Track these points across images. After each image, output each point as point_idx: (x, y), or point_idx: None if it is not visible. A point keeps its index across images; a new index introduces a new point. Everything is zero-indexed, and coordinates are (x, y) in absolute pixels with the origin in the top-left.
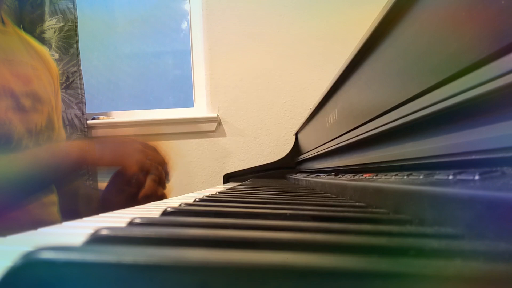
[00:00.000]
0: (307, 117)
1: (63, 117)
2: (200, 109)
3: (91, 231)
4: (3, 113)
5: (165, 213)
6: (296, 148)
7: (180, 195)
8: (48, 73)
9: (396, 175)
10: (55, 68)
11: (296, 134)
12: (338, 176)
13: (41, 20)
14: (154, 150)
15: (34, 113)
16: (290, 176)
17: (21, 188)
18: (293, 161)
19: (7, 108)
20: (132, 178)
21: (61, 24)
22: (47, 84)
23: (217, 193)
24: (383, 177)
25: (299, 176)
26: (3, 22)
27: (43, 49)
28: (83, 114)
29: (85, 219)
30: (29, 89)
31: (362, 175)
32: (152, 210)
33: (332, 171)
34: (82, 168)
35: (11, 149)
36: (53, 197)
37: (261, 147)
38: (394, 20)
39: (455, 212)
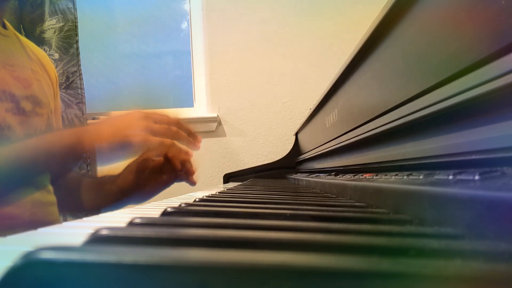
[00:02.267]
0: (307, 117)
1: (63, 117)
2: (200, 109)
3: (91, 231)
4: (3, 115)
5: (165, 213)
6: (296, 148)
7: (180, 195)
8: (47, 76)
9: (396, 175)
10: (54, 71)
11: (296, 134)
12: (338, 176)
13: (41, 20)
14: (164, 117)
15: (34, 117)
16: (290, 176)
17: (11, 180)
18: (293, 161)
19: (7, 111)
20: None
21: (61, 24)
22: (46, 87)
23: (217, 193)
24: (383, 177)
25: (299, 176)
26: (4, 26)
27: (42, 52)
28: (83, 114)
29: (85, 219)
30: (29, 92)
31: (362, 175)
32: (152, 210)
33: (332, 171)
34: (79, 155)
35: None
36: (52, 197)
37: (261, 147)
38: (394, 20)
39: (455, 212)
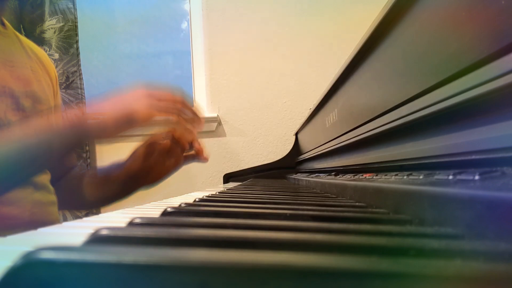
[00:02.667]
0: (307, 117)
1: (62, 117)
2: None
3: (91, 231)
4: (2, 113)
5: (165, 213)
6: (296, 148)
7: (180, 195)
8: (47, 75)
9: (396, 175)
10: (53, 70)
11: (296, 134)
12: (338, 176)
13: (41, 20)
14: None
15: (33, 114)
16: (290, 176)
17: (13, 174)
18: (293, 161)
19: (7, 109)
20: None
21: (61, 24)
22: (46, 87)
23: (217, 193)
24: (383, 177)
25: (299, 176)
26: (3, 24)
27: (42, 51)
28: (83, 114)
29: (85, 219)
30: (29, 90)
31: (362, 175)
32: (152, 210)
33: (332, 171)
34: (85, 131)
35: None
36: (52, 197)
37: (261, 147)
38: (394, 20)
39: (455, 212)
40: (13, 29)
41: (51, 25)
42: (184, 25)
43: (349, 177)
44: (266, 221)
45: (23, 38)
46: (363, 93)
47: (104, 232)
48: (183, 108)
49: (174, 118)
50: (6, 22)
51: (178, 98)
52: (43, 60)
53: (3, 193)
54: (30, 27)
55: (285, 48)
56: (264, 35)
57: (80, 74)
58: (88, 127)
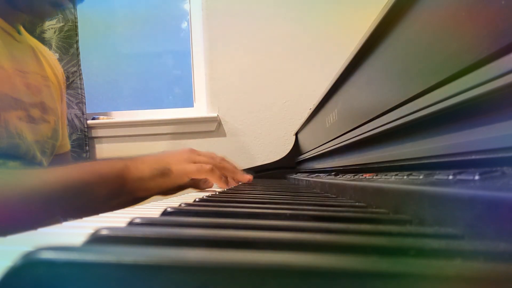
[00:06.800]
0: (307, 117)
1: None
2: (200, 109)
3: (91, 231)
4: (15, 123)
5: (165, 213)
6: (296, 148)
7: (180, 195)
8: (55, 79)
9: (396, 175)
10: (61, 73)
11: (296, 134)
12: (338, 176)
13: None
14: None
15: (42, 123)
16: (290, 176)
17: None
18: (293, 161)
19: (19, 119)
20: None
21: (61, 24)
22: (54, 92)
23: (217, 193)
24: (383, 177)
25: (299, 176)
26: (19, 32)
27: (51, 54)
28: (83, 114)
29: (85, 219)
30: (38, 99)
31: (362, 175)
32: (152, 210)
33: (332, 171)
34: (121, 191)
35: (20, 158)
36: None
37: (261, 147)
38: (394, 20)
39: (455, 212)
40: (26, 34)
41: (51, 25)
42: (184, 25)
43: (349, 177)
44: (266, 221)
45: (34, 42)
46: (363, 93)
47: (104, 232)
48: (221, 162)
49: (207, 167)
50: (21, 28)
51: (219, 157)
52: (52, 63)
53: (35, 222)
54: (30, 27)
55: (285, 48)
56: (264, 35)
57: (80, 74)
58: (129, 178)
